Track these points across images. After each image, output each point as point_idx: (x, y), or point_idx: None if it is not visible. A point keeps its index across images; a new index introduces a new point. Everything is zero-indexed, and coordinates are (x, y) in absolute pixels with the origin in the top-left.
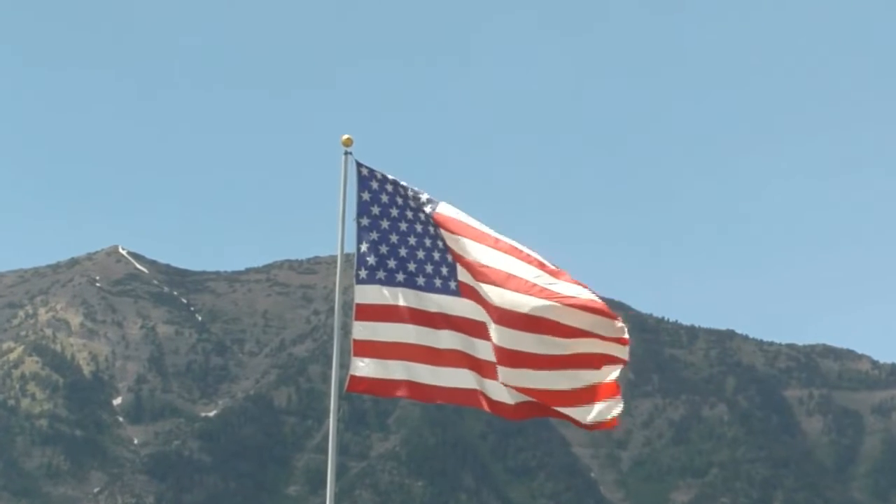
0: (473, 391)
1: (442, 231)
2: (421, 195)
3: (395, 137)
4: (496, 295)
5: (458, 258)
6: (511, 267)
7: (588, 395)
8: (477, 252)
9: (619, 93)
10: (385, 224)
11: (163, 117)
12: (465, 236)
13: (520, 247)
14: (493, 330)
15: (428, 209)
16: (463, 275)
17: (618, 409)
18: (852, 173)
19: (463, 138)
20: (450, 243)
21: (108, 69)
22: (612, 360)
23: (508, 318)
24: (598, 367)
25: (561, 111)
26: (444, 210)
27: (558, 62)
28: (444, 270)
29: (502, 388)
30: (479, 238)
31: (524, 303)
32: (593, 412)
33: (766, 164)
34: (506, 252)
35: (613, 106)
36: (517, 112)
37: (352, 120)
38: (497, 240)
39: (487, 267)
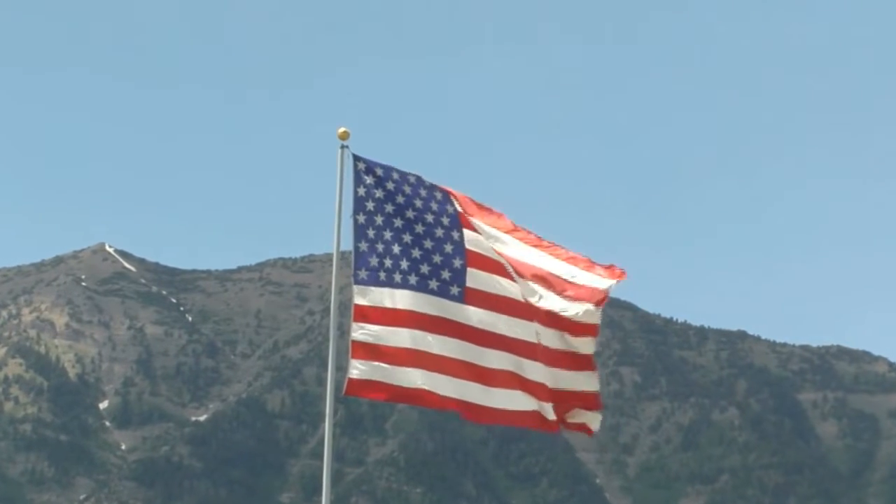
0: (473, 404)
1: (467, 232)
2: (436, 192)
3: (393, 133)
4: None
5: (484, 259)
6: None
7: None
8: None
9: (630, 90)
10: (380, 220)
11: (152, 112)
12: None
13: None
14: (533, 330)
15: (450, 209)
16: (474, 280)
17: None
18: (870, 173)
19: (468, 137)
20: (473, 245)
21: (96, 65)
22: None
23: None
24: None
25: (571, 108)
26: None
27: (570, 58)
28: (446, 274)
29: (509, 396)
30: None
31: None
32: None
33: (780, 163)
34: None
35: (624, 103)
36: (525, 109)
37: (349, 114)
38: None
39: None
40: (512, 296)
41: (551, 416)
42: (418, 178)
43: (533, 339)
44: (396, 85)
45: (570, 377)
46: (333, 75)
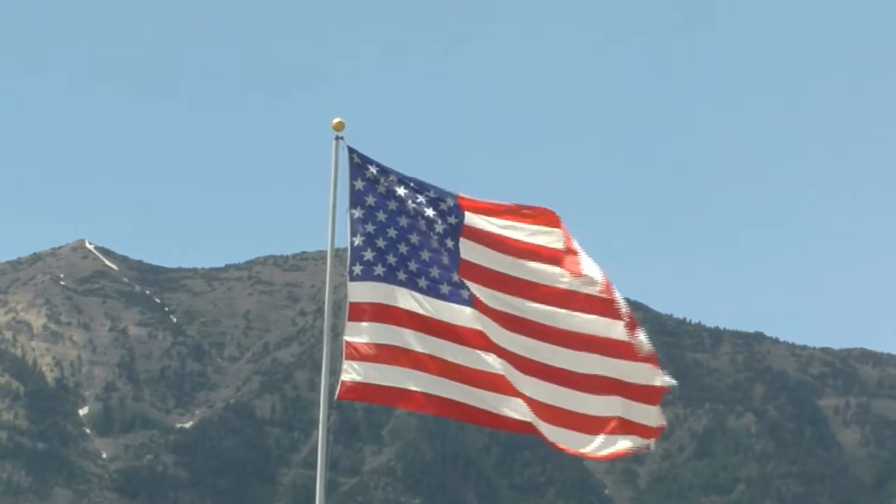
0: (477, 408)
1: (465, 241)
2: (434, 195)
3: (391, 129)
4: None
5: (476, 274)
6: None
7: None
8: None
9: (648, 88)
10: (382, 216)
11: (135, 101)
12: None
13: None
14: (521, 342)
15: (452, 219)
16: (476, 289)
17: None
18: (892, 173)
19: (476, 136)
20: (469, 255)
21: (77, 59)
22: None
23: (540, 331)
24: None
25: (583, 106)
26: (471, 221)
27: (584, 55)
28: (455, 277)
29: (513, 403)
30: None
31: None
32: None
33: (804, 166)
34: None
35: (638, 99)
36: (538, 107)
37: (343, 105)
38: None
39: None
40: (515, 313)
41: (545, 432)
42: (420, 182)
43: (535, 357)
44: (395, 80)
45: (586, 398)
46: (328, 68)
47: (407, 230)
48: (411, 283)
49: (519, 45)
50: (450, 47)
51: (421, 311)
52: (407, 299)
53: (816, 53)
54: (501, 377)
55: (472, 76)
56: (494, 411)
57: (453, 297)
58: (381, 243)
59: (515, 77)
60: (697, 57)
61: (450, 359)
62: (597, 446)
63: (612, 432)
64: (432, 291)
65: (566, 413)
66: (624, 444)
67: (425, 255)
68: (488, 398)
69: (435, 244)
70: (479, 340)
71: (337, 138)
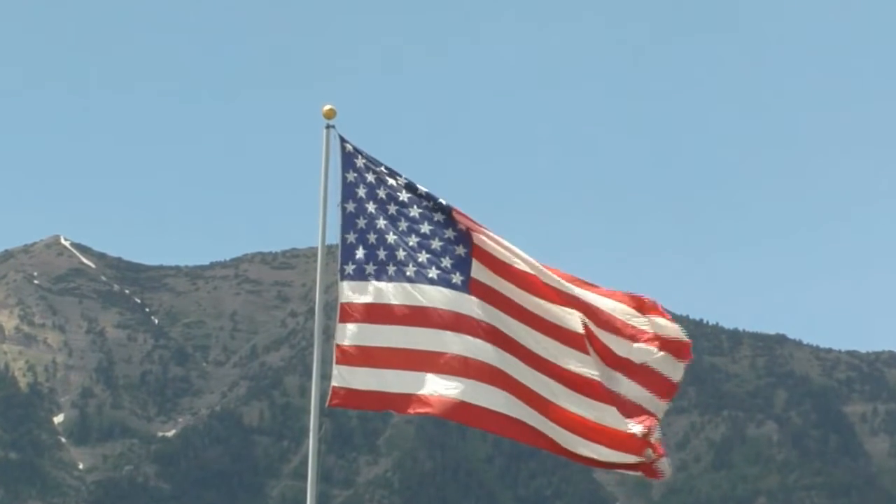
0: (482, 408)
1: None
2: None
3: (385, 116)
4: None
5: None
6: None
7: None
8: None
9: (667, 86)
10: (372, 208)
11: (113, 85)
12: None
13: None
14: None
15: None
16: (480, 273)
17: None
18: None
19: (485, 134)
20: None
21: (52, 49)
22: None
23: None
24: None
25: (597, 103)
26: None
27: (602, 47)
28: (446, 262)
29: (514, 404)
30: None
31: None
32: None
33: (827, 161)
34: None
35: (660, 102)
36: (551, 104)
37: (335, 92)
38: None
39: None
40: (524, 305)
41: (559, 439)
42: (410, 182)
43: (544, 355)
44: (390, 67)
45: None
46: (317, 52)
47: (396, 217)
48: (400, 275)
49: (528, 40)
50: (454, 42)
51: (413, 304)
52: (399, 294)
53: (846, 53)
54: (503, 372)
55: (482, 71)
56: (504, 412)
57: (454, 283)
58: (371, 238)
59: (527, 73)
60: (721, 56)
61: (448, 351)
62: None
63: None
64: (431, 279)
65: (576, 418)
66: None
67: (413, 240)
68: (498, 397)
69: (435, 224)
70: (482, 330)
71: (328, 127)
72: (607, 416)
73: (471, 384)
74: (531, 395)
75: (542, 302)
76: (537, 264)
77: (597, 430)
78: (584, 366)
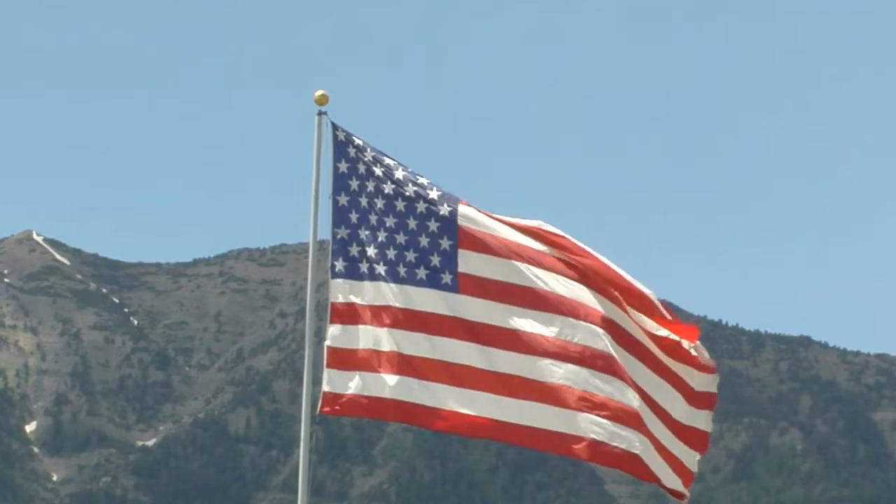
0: (479, 418)
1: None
2: (410, 175)
3: (379, 101)
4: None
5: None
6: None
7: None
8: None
9: (697, 80)
10: (364, 202)
11: (89, 71)
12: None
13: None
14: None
15: (419, 181)
16: (466, 265)
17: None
18: None
19: (503, 130)
20: (467, 222)
21: (30, 36)
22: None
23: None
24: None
25: (618, 94)
26: (465, 221)
27: (614, 37)
28: (435, 260)
29: (523, 408)
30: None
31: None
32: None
33: (854, 156)
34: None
35: (681, 99)
36: (570, 101)
37: (327, 75)
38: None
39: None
40: (524, 283)
41: (589, 434)
42: (398, 163)
43: (556, 335)
44: (385, 46)
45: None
46: (311, 28)
47: (384, 212)
48: (392, 275)
49: (541, 34)
50: (454, 31)
51: (407, 306)
52: (393, 295)
53: (877, 51)
54: (515, 377)
55: (494, 61)
56: (510, 420)
57: (432, 283)
58: (363, 233)
59: (543, 69)
60: (745, 51)
61: (447, 359)
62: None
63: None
64: (420, 280)
65: (577, 393)
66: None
67: (401, 237)
68: (503, 404)
69: (419, 217)
70: (479, 332)
71: (319, 113)
72: (616, 391)
73: (466, 393)
74: (529, 387)
75: (542, 272)
76: (534, 231)
77: (601, 403)
78: (596, 338)
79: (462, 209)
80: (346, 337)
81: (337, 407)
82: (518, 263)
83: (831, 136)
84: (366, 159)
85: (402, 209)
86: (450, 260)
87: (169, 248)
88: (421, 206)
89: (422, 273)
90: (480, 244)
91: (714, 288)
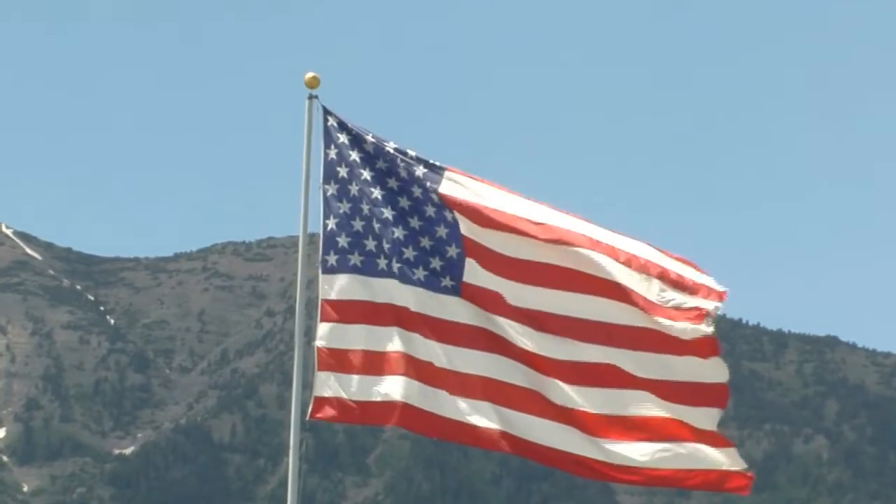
0: (482, 428)
1: (453, 213)
2: (415, 167)
3: (375, 84)
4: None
5: (474, 249)
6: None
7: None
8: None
9: (725, 70)
10: (354, 190)
11: (63, 56)
12: (488, 225)
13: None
14: (535, 339)
15: (428, 185)
16: (472, 274)
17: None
18: None
19: (496, 110)
20: (464, 231)
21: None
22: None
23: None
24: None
25: (626, 80)
26: (450, 189)
27: (641, 26)
28: (436, 263)
29: (531, 423)
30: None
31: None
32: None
33: (889, 144)
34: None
35: (702, 83)
36: (575, 70)
37: (318, 56)
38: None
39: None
40: (529, 307)
41: (599, 456)
42: (399, 148)
43: (561, 357)
44: (381, 25)
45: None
46: (300, 8)
47: (381, 203)
48: (389, 270)
49: (541, 11)
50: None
51: (403, 305)
52: (387, 293)
53: None
54: (524, 390)
55: (496, 39)
56: (514, 433)
57: (430, 285)
58: (357, 225)
59: (544, 47)
60: (776, 26)
61: (448, 367)
62: (669, 456)
63: (687, 439)
64: (417, 280)
65: (615, 419)
66: (716, 457)
67: (399, 232)
68: (506, 415)
69: (426, 220)
70: (481, 340)
71: (310, 97)
72: (631, 402)
73: (462, 400)
74: (531, 399)
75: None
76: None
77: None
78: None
79: (465, 222)
80: (338, 337)
81: (329, 412)
82: (525, 284)
83: (861, 135)
84: (364, 147)
85: (406, 207)
86: (455, 268)
87: (148, 241)
88: (430, 210)
89: (419, 273)
90: (486, 257)
91: (734, 284)
